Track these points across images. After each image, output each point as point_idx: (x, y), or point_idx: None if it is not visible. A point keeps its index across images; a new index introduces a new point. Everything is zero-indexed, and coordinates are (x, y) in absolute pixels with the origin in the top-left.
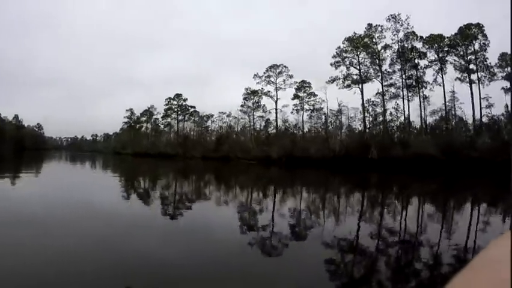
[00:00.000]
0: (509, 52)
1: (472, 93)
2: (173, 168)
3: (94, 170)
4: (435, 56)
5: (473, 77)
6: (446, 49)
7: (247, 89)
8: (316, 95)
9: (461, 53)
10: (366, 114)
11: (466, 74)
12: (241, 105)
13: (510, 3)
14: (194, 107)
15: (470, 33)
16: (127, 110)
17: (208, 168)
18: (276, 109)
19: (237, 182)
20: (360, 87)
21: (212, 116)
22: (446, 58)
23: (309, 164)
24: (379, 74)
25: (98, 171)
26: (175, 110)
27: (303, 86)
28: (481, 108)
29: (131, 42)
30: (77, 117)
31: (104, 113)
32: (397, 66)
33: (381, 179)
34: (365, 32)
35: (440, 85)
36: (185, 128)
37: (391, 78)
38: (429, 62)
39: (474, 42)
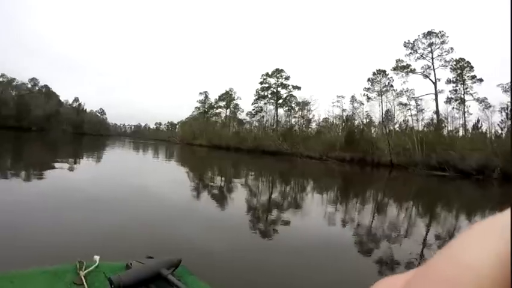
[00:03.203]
0: None
1: None
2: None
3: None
4: None
5: None
6: None
7: (398, 60)
8: (482, 80)
9: None
10: None
11: None
12: (367, 89)
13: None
14: (299, 88)
15: None
16: (200, 93)
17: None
18: (436, 94)
19: None
20: None
21: (308, 103)
22: None
23: None
24: None
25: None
26: (274, 90)
27: (460, 66)
28: None
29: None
30: (141, 104)
31: (167, 102)
32: None
33: None
34: None
35: None
36: (276, 116)
37: None
38: None
39: None
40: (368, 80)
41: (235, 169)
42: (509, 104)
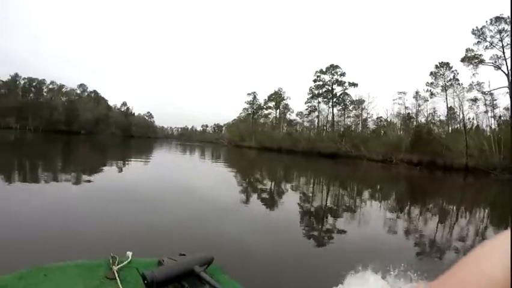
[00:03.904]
0: None
1: None
2: None
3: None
4: None
5: None
6: None
7: (468, 50)
8: None
9: None
10: None
11: None
12: (429, 84)
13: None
14: (355, 85)
15: None
16: (248, 94)
17: None
18: (511, 87)
19: None
20: None
21: (363, 101)
22: None
23: None
24: None
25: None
26: (329, 88)
27: None
28: None
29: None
30: (187, 107)
31: (213, 104)
32: None
33: None
34: None
35: None
36: (333, 116)
37: None
38: None
39: None
40: (431, 74)
41: (287, 172)
42: None
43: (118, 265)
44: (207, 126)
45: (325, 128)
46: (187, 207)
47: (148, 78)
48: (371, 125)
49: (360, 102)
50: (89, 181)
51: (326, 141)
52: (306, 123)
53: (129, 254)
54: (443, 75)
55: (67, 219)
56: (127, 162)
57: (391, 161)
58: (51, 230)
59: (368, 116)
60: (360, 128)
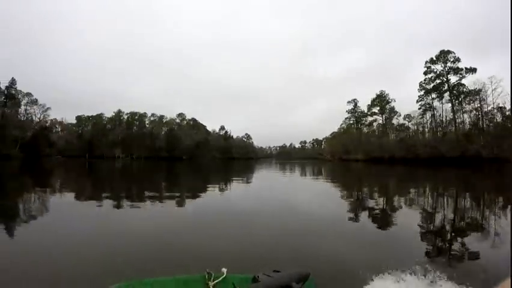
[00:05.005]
0: None
1: None
2: None
3: None
4: None
5: None
6: None
7: None
8: None
9: None
10: None
11: None
12: None
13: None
14: (474, 70)
15: None
16: (348, 102)
17: None
18: None
19: None
20: None
21: (479, 90)
22: None
23: None
24: None
25: None
26: (443, 80)
27: None
28: None
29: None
30: (283, 126)
31: (307, 120)
32: None
33: None
34: None
35: None
36: (453, 112)
37: None
38: None
39: None
40: None
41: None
42: None
43: (213, 281)
44: (305, 142)
45: (440, 128)
46: (282, 224)
47: (243, 100)
48: (498, 118)
49: (477, 92)
50: (191, 201)
51: (448, 143)
52: (415, 127)
53: (224, 270)
54: None
55: (167, 235)
56: (228, 183)
57: None
58: (153, 244)
59: (493, 107)
60: (486, 123)
